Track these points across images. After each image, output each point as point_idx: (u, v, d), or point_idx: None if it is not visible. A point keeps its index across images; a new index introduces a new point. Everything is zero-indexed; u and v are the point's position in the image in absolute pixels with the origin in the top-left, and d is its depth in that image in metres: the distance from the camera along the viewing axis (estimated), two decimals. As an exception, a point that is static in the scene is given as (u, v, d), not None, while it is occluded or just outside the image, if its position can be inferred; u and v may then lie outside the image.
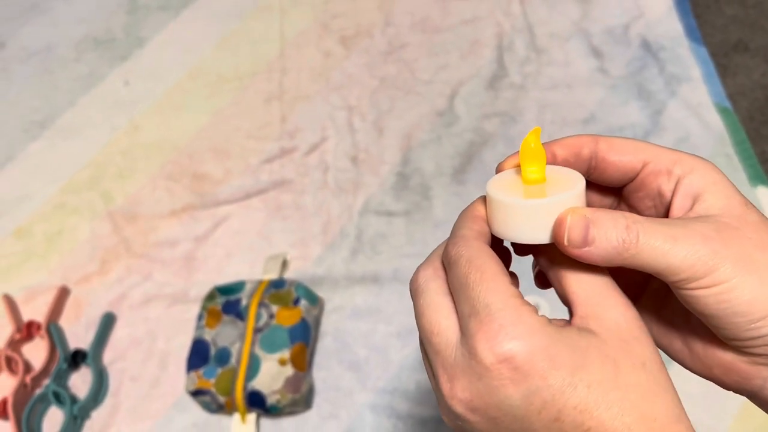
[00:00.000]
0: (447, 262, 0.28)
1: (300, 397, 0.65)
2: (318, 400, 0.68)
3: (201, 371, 0.66)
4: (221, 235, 0.80)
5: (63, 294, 0.76)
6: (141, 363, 0.73)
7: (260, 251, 0.78)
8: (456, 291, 0.27)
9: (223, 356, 0.66)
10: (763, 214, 0.27)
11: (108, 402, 0.71)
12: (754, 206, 0.27)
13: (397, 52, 0.92)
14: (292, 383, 0.64)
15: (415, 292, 0.29)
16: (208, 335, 0.68)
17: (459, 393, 0.26)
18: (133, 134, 0.89)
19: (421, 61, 0.91)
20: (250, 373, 0.65)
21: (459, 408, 0.26)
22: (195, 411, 0.69)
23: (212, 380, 0.65)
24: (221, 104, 0.90)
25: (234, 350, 0.66)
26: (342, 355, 0.71)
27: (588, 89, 0.87)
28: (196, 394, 0.66)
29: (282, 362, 0.65)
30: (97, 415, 0.70)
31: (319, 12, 0.97)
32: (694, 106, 0.84)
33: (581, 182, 0.28)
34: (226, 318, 0.69)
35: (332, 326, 0.72)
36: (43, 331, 0.73)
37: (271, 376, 0.64)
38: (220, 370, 0.66)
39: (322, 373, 0.70)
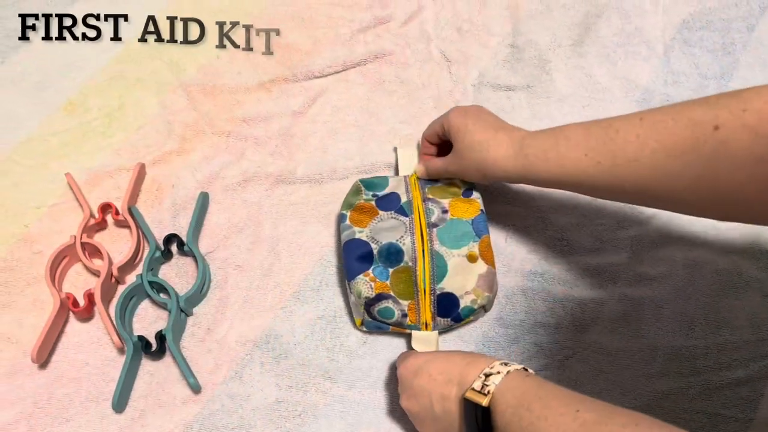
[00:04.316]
0: None
1: (493, 296, 0.56)
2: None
3: (372, 273, 0.55)
4: (319, 110, 0.69)
5: (140, 175, 0.63)
6: (246, 251, 0.62)
7: (367, 128, 0.68)
8: None
9: (392, 254, 0.55)
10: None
11: (213, 295, 0.60)
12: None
13: None
14: (486, 280, 0.55)
15: None
16: (362, 234, 0.56)
17: None
18: None
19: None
20: (437, 273, 0.54)
21: None
22: (319, 302, 0.60)
23: (387, 282, 0.55)
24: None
25: (404, 247, 0.55)
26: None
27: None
28: (377, 300, 0.55)
29: (471, 258, 0.55)
30: (202, 311, 0.59)
31: None
32: None
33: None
34: (383, 214, 0.57)
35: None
36: (122, 216, 0.61)
37: (462, 274, 0.54)
38: (391, 270, 0.55)
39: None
